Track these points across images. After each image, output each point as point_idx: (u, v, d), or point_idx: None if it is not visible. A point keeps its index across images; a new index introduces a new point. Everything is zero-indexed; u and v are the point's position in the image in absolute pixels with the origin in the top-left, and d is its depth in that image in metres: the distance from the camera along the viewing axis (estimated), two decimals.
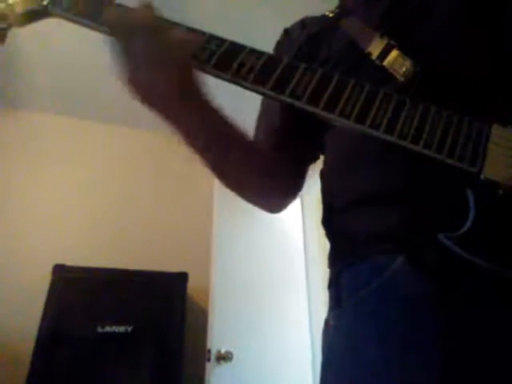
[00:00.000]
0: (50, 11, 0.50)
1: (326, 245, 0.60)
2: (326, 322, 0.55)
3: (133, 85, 0.48)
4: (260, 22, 2.03)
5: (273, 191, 0.70)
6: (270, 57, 0.48)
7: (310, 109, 0.43)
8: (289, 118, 0.63)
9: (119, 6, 0.52)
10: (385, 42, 0.52)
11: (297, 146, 0.68)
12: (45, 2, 0.50)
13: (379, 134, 0.41)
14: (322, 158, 0.70)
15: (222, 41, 0.47)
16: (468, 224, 0.37)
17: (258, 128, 0.72)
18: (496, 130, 0.40)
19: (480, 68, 0.45)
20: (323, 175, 0.64)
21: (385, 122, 0.41)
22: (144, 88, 0.49)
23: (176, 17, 0.51)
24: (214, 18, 1.97)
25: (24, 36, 2.10)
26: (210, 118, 0.55)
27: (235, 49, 0.47)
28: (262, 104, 0.72)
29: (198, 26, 0.51)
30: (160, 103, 0.51)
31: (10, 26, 0.51)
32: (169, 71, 0.48)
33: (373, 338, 0.44)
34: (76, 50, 2.23)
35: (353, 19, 0.60)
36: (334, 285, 0.55)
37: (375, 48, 0.53)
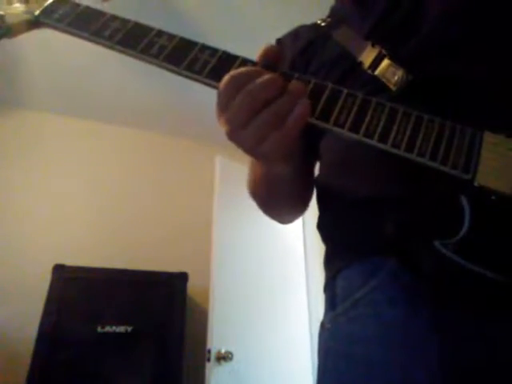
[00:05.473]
0: (42, 22, 0.50)
1: None
2: (322, 325, 0.56)
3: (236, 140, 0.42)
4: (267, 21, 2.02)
5: (296, 208, 0.71)
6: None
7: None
8: None
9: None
10: (376, 51, 0.53)
11: (304, 156, 0.67)
12: (37, 13, 0.50)
13: (373, 142, 0.41)
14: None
15: (215, 51, 0.47)
16: (463, 231, 0.37)
17: None
18: (488, 137, 0.41)
19: (470, 75, 0.45)
20: (318, 181, 0.64)
21: (378, 130, 0.41)
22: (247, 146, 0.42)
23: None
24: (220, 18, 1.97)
25: (24, 36, 2.09)
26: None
27: (228, 59, 0.47)
28: None
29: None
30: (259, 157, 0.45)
31: (1, 37, 0.51)
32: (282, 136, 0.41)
33: (368, 340, 0.45)
34: (76, 50, 2.23)
35: (345, 29, 0.60)
36: (330, 287, 0.55)
37: (367, 57, 0.53)
